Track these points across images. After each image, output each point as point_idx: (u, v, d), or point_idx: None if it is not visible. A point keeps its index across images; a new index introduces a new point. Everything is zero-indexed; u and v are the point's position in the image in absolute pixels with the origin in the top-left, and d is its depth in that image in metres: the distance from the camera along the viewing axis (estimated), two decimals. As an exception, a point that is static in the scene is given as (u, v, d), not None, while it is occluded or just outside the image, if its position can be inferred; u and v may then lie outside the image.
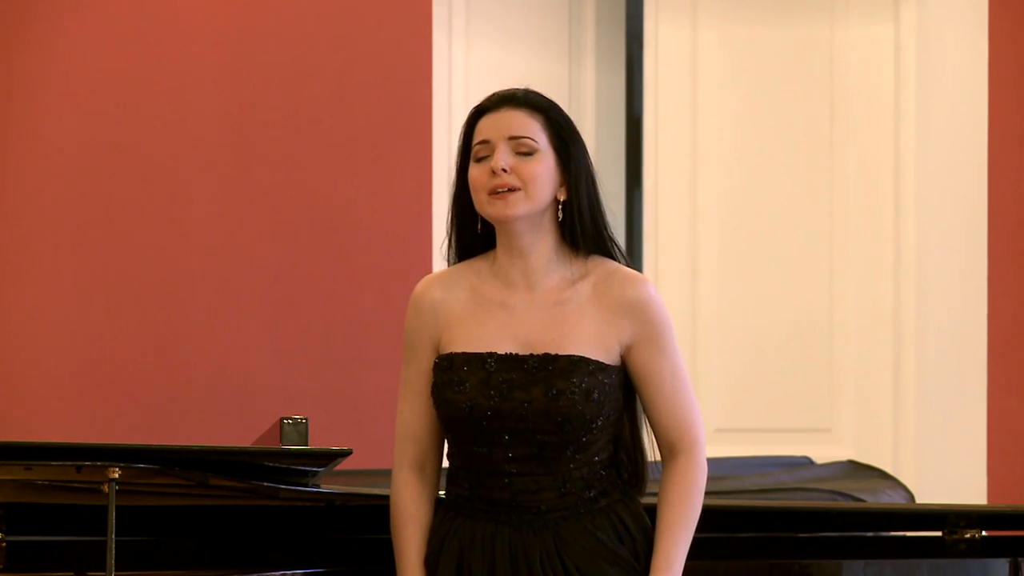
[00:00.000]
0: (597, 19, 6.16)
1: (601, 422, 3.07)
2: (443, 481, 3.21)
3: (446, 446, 3.19)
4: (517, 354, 3.07)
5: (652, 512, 3.15)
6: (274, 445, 3.30)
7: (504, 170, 3.05)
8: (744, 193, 5.95)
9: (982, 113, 5.61)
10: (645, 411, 3.15)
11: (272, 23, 5.11)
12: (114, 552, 3.08)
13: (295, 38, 5.12)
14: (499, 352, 3.07)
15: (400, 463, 3.18)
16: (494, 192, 3.06)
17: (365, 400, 5.13)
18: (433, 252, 5.27)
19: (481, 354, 3.07)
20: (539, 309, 3.10)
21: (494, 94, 3.14)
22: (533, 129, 3.08)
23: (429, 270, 5.21)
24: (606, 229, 3.15)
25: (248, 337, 5.06)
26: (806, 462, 5.08)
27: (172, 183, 5.06)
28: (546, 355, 3.05)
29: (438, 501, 3.18)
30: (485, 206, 3.08)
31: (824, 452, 5.54)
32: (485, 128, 3.09)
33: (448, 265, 3.20)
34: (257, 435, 3.75)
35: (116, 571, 3.11)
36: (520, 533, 3.06)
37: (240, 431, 4.85)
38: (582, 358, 3.05)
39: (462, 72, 5.78)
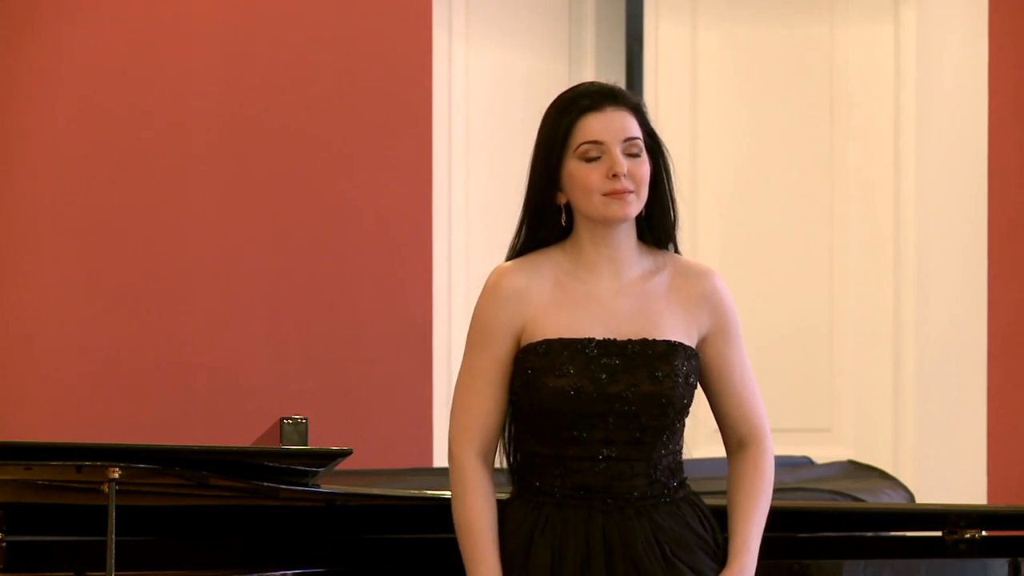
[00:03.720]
0: (597, 19, 6.16)
1: (689, 409, 3.11)
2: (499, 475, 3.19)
3: (509, 436, 3.16)
4: (615, 339, 3.08)
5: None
6: (274, 445, 3.30)
7: (625, 175, 3.07)
8: (744, 193, 5.94)
9: (982, 113, 5.61)
10: (713, 403, 3.19)
11: (272, 24, 5.11)
12: (114, 552, 3.08)
13: (295, 39, 5.12)
14: (597, 338, 3.08)
15: (467, 452, 3.12)
16: (612, 194, 3.08)
17: (365, 400, 5.13)
18: (433, 252, 5.27)
19: (580, 339, 3.07)
20: (626, 297, 3.13)
21: (588, 90, 3.14)
22: (637, 129, 3.12)
23: (429, 270, 5.21)
24: (678, 224, 3.20)
25: (248, 337, 5.06)
26: (806, 462, 5.08)
27: (172, 183, 5.06)
28: (644, 340, 3.08)
29: (524, 492, 3.14)
30: (599, 207, 3.09)
31: (824, 452, 5.54)
32: (597, 129, 3.09)
33: (507, 259, 3.19)
34: (257, 435, 3.75)
35: (116, 571, 3.11)
36: (615, 520, 3.07)
37: (240, 431, 4.85)
38: (679, 343, 3.09)
39: (462, 72, 5.78)
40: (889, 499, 4.47)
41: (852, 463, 4.96)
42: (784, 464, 4.96)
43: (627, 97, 3.14)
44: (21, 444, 3.18)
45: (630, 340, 3.08)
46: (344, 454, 3.25)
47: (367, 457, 4.65)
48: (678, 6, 5.95)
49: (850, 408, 5.91)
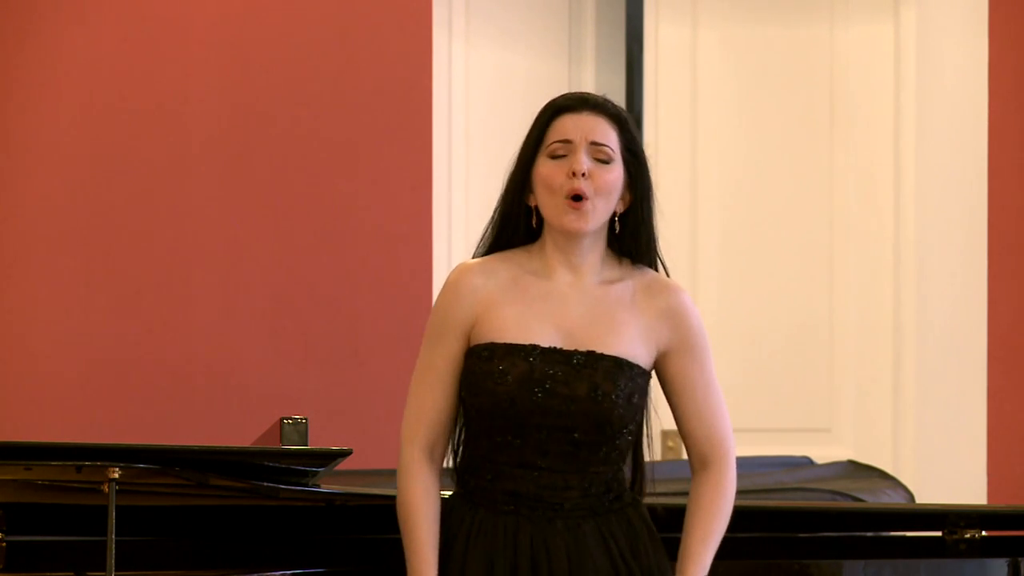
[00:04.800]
0: (597, 19, 6.16)
1: (633, 426, 3.09)
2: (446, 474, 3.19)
3: (460, 434, 3.16)
4: (561, 348, 3.06)
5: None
6: (274, 445, 3.30)
7: (583, 174, 3.05)
8: (744, 193, 5.94)
9: (982, 113, 5.61)
10: (677, 420, 3.17)
11: (272, 23, 5.11)
12: (114, 552, 3.08)
13: (295, 38, 5.12)
14: (542, 345, 3.06)
15: (412, 444, 3.13)
16: (570, 197, 3.06)
17: (365, 400, 5.13)
18: (433, 252, 5.27)
19: (524, 345, 3.06)
20: (582, 304, 3.11)
21: (573, 95, 3.14)
22: (612, 138, 3.10)
23: (429, 270, 5.21)
24: (656, 244, 3.17)
25: (248, 337, 5.06)
26: (806, 462, 5.07)
27: (172, 183, 5.06)
28: (591, 353, 3.05)
29: (463, 492, 3.15)
30: (560, 213, 3.08)
31: (824, 452, 5.54)
32: (569, 127, 3.09)
33: (474, 257, 3.19)
34: (257, 435, 3.75)
35: (116, 571, 3.11)
36: (542, 529, 3.06)
37: (240, 431, 4.85)
38: (627, 361, 3.06)
39: (462, 72, 5.78)
40: (889, 499, 4.47)
41: (852, 463, 4.96)
42: (784, 464, 4.96)
43: (610, 107, 3.12)
44: (21, 444, 3.18)
45: (576, 351, 3.06)
46: (344, 454, 3.25)
47: (367, 457, 4.64)
48: (678, 6, 5.95)
49: (850, 408, 5.91)
